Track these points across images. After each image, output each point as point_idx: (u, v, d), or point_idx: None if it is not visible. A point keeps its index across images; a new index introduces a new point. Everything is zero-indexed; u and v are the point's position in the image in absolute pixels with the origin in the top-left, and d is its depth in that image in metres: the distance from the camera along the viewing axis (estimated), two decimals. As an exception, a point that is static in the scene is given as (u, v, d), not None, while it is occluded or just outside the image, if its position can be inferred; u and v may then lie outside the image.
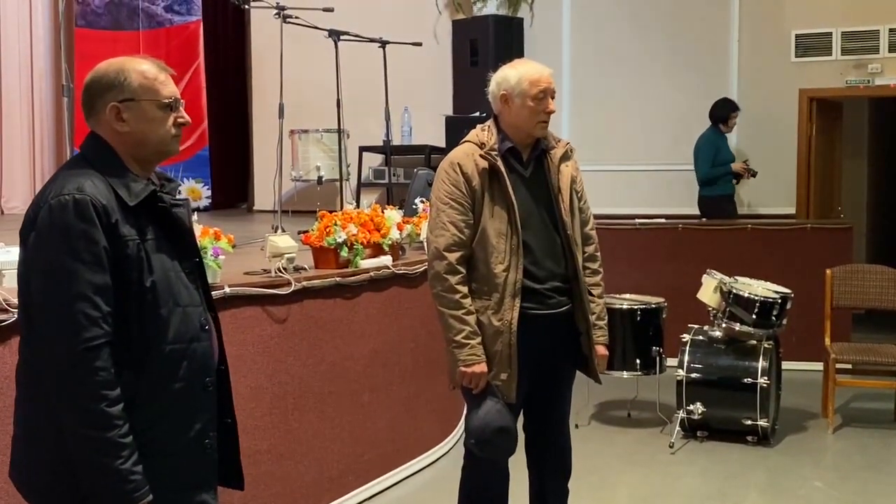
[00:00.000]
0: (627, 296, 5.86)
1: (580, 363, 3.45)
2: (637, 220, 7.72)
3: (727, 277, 5.47)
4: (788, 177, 8.21)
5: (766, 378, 5.19)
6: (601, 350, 3.44)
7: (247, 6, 7.12)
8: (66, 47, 7.03)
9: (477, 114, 7.64)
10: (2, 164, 9.35)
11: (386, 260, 4.57)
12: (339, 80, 6.10)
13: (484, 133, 3.32)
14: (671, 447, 5.29)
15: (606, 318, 3.50)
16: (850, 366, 6.03)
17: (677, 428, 5.37)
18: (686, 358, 5.39)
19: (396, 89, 6.89)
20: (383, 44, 6.59)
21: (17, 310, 2.55)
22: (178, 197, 2.26)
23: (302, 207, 7.67)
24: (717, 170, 7.69)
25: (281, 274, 3.94)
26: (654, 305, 5.68)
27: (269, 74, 8.01)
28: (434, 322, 3.47)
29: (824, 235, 7.28)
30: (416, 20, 8.49)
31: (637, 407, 6.03)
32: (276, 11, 5.93)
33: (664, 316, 5.71)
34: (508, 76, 3.30)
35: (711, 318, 5.50)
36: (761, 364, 5.22)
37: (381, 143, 7.09)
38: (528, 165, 3.35)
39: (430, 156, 7.91)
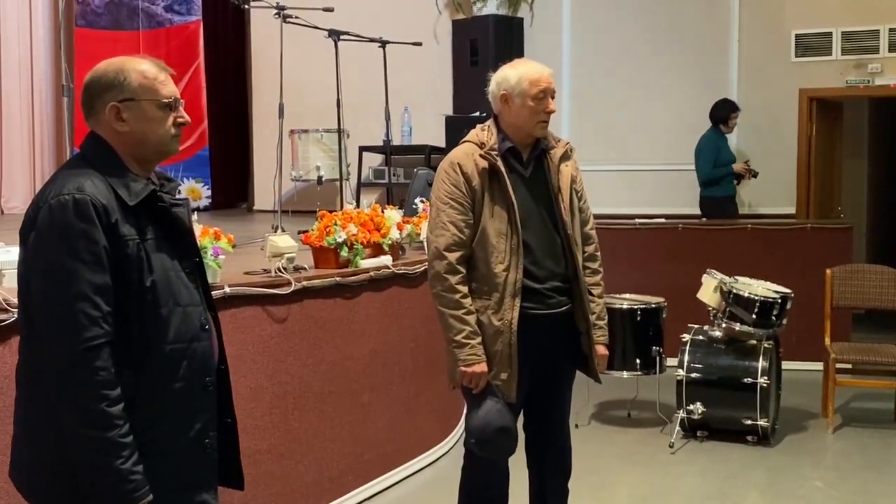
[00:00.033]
0: (627, 296, 5.86)
1: (580, 363, 3.45)
2: (637, 220, 7.72)
3: (727, 277, 5.47)
4: (788, 177, 8.21)
5: (766, 378, 5.19)
6: (601, 350, 3.44)
7: (247, 6, 7.12)
8: (66, 47, 7.03)
9: (477, 114, 7.64)
10: (2, 163, 9.35)
11: (386, 260, 4.57)
12: (339, 80, 6.10)
13: (484, 133, 3.32)
14: (671, 447, 5.29)
15: (606, 317, 3.50)
16: (850, 366, 6.03)
17: (677, 428, 5.37)
18: (686, 358, 5.39)
19: (396, 89, 6.90)
20: (383, 44, 6.59)
21: (17, 309, 2.55)
22: (177, 196, 2.26)
23: (302, 207, 7.67)
24: (718, 170, 7.69)
25: (281, 274, 3.94)
26: (654, 305, 5.68)
27: (269, 74, 8.01)
28: (434, 322, 3.47)
29: (824, 235, 7.28)
30: (416, 20, 8.49)
31: (637, 407, 6.03)
32: (276, 11, 5.93)
33: (664, 316, 5.71)
34: (508, 76, 3.30)
35: (711, 318, 5.50)
36: (761, 364, 5.22)
37: (381, 143, 7.09)
38: (528, 165, 3.35)
39: (430, 156, 7.91)
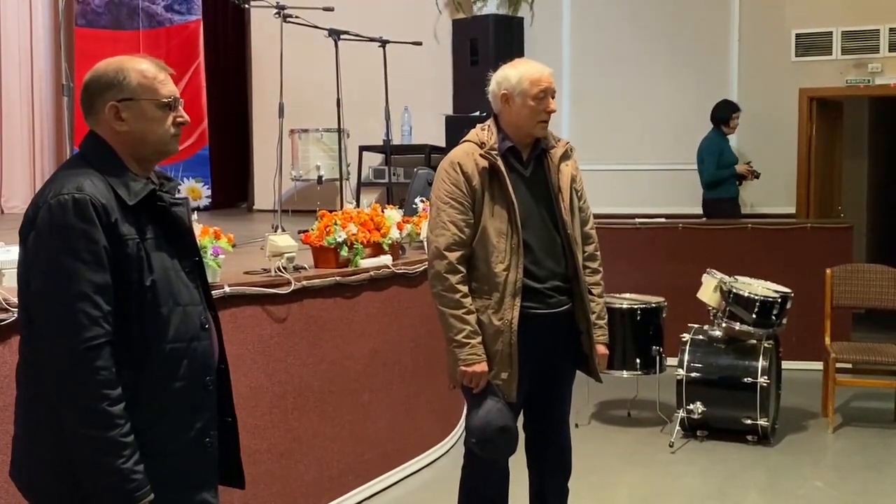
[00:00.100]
0: (627, 295, 5.86)
1: (580, 362, 3.45)
2: (637, 220, 7.72)
3: (727, 277, 5.46)
4: (788, 176, 8.21)
5: (766, 377, 5.19)
6: (601, 349, 3.44)
7: (247, 5, 7.12)
8: (66, 46, 7.03)
9: (477, 113, 7.64)
10: (2, 163, 9.35)
11: (386, 259, 4.57)
12: (339, 80, 6.10)
13: (484, 132, 3.32)
14: (671, 446, 5.28)
15: (606, 317, 3.50)
16: (850, 365, 6.04)
17: (677, 427, 5.37)
18: (686, 357, 5.39)
19: (396, 89, 6.89)
20: (383, 43, 6.59)
21: (17, 309, 2.55)
22: (177, 196, 2.26)
23: (302, 207, 7.67)
24: (721, 172, 7.68)
25: (281, 273, 3.94)
26: (654, 305, 5.68)
27: (269, 74, 8.01)
28: (434, 321, 3.47)
29: (824, 235, 7.28)
30: (416, 19, 8.49)
31: (637, 406, 6.03)
32: (276, 11, 5.93)
33: (664, 315, 5.71)
34: (509, 76, 3.30)
35: (711, 318, 5.50)
36: (761, 363, 5.22)
37: (381, 143, 7.09)
38: (528, 165, 3.35)
39: (430, 155, 7.91)
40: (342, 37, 6.17)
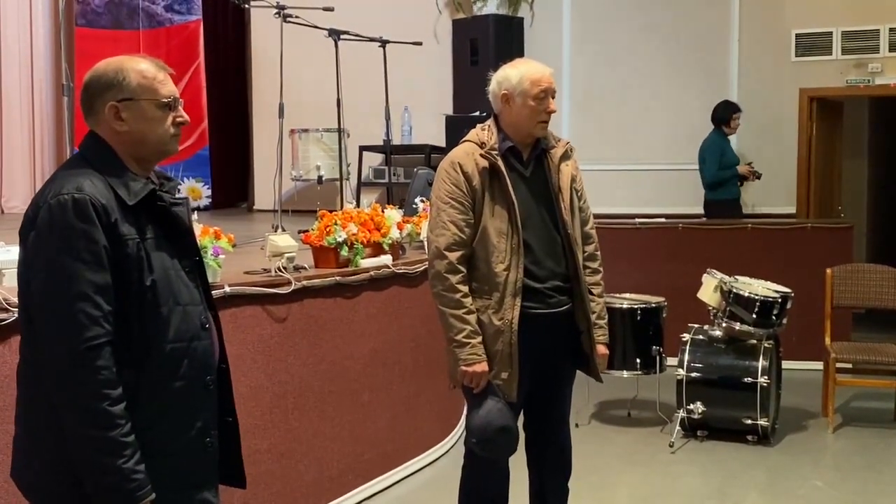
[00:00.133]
0: (627, 295, 5.86)
1: (581, 362, 3.45)
2: (637, 220, 7.72)
3: (727, 277, 5.46)
4: (789, 176, 8.21)
5: (766, 377, 5.19)
6: (602, 349, 3.44)
7: (247, 5, 7.12)
8: (66, 46, 7.03)
9: (477, 113, 7.64)
10: (2, 163, 9.35)
11: (386, 259, 4.57)
12: (339, 80, 6.10)
13: (484, 132, 3.32)
14: (671, 446, 5.28)
15: (607, 317, 3.50)
16: (850, 365, 6.04)
17: (677, 427, 5.37)
18: (686, 357, 5.39)
19: (396, 89, 6.90)
20: (383, 43, 6.59)
21: (17, 309, 2.55)
22: (177, 196, 2.26)
23: (302, 207, 7.67)
24: (723, 173, 7.67)
25: (281, 273, 3.94)
26: (654, 305, 5.68)
27: (269, 74, 8.01)
28: (434, 321, 3.47)
29: (824, 235, 7.28)
30: (416, 19, 8.49)
31: (637, 406, 6.03)
32: (276, 11, 5.93)
33: (664, 315, 5.71)
34: (510, 75, 3.30)
35: (712, 318, 5.50)
36: (761, 363, 5.22)
37: (381, 143, 7.09)
38: (528, 165, 3.35)
39: (430, 155, 7.91)
40: (342, 37, 6.17)
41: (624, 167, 8.52)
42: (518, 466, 3.52)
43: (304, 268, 4.15)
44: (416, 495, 4.64)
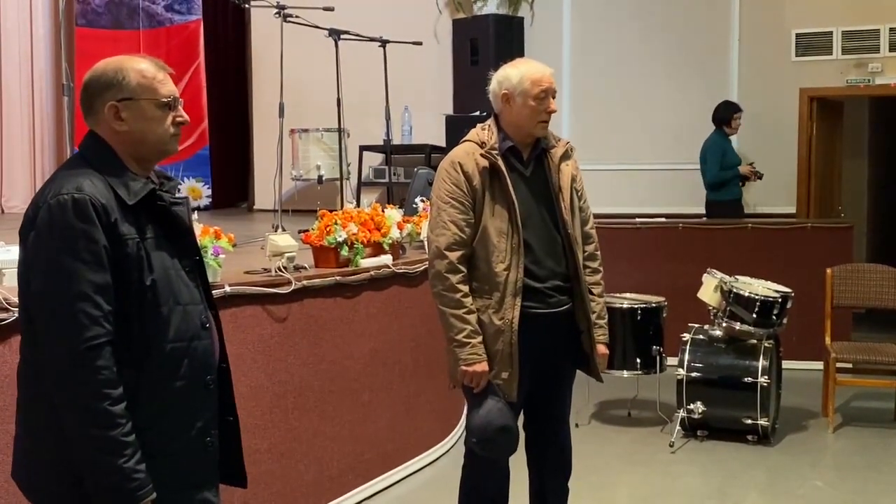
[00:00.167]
0: (628, 295, 5.86)
1: (581, 362, 3.45)
2: (637, 220, 7.72)
3: (727, 276, 5.46)
4: (789, 176, 8.20)
5: (766, 377, 5.19)
6: (602, 349, 3.44)
7: (247, 5, 7.12)
8: (66, 46, 7.03)
9: (477, 113, 7.64)
10: (2, 162, 9.35)
11: (386, 259, 4.57)
12: (340, 80, 6.10)
13: (484, 132, 3.32)
14: (671, 446, 5.28)
15: (607, 316, 3.50)
16: (850, 365, 6.04)
17: (677, 427, 5.37)
18: (686, 357, 5.39)
19: (397, 88, 6.90)
20: (384, 43, 6.59)
21: (17, 309, 2.55)
22: (177, 195, 2.26)
23: (302, 206, 7.67)
24: (724, 173, 7.66)
25: (281, 273, 3.94)
26: (654, 305, 5.68)
27: (270, 73, 8.01)
28: (434, 321, 3.47)
29: (825, 235, 7.27)
30: (416, 19, 8.48)
31: (637, 406, 6.03)
32: (276, 10, 5.93)
33: (664, 315, 5.71)
34: (510, 75, 3.30)
35: (712, 318, 5.50)
36: (762, 363, 5.22)
37: (381, 143, 7.09)
38: (528, 164, 3.35)
39: (430, 155, 7.91)
40: (342, 37, 6.17)
41: (624, 167, 8.52)
42: (518, 466, 3.52)
43: (305, 267, 4.15)
44: (417, 495, 4.64)
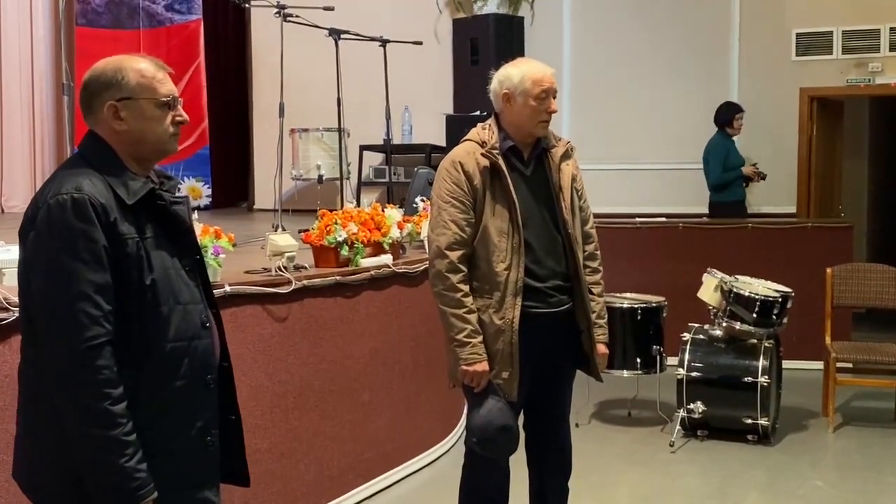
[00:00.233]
0: (628, 295, 5.86)
1: (581, 362, 3.45)
2: (637, 219, 7.72)
3: (728, 276, 5.46)
4: (789, 176, 8.20)
5: (766, 377, 5.19)
6: (602, 348, 3.44)
7: (247, 5, 7.12)
8: (66, 46, 7.03)
9: (477, 113, 7.64)
10: (2, 162, 9.35)
11: (386, 259, 4.57)
12: (340, 79, 6.10)
13: (485, 132, 3.32)
14: (671, 446, 5.28)
15: (606, 316, 3.50)
16: (850, 365, 6.04)
17: (678, 427, 5.37)
18: (686, 357, 5.38)
19: (397, 88, 6.89)
20: (384, 42, 6.59)
21: (17, 308, 2.55)
22: (177, 194, 2.26)
23: (302, 206, 7.67)
24: (727, 174, 7.65)
25: (281, 273, 3.94)
26: (654, 304, 5.68)
27: (270, 73, 8.01)
28: (434, 321, 3.47)
29: (825, 234, 7.27)
30: (416, 19, 8.48)
31: (637, 406, 6.02)
32: (276, 10, 5.93)
33: (665, 315, 5.71)
34: (511, 75, 3.30)
35: (712, 317, 5.50)
36: (762, 363, 5.22)
37: (381, 142, 7.09)
38: (528, 164, 3.35)
39: (430, 155, 7.91)
40: (342, 36, 6.16)
41: (624, 167, 8.52)
42: (518, 466, 3.52)
43: (305, 267, 4.15)
44: (417, 495, 4.63)
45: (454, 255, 3.21)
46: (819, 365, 6.04)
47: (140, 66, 2.16)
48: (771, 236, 7.33)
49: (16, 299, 2.62)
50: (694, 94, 8.28)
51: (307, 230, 4.45)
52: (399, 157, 8.15)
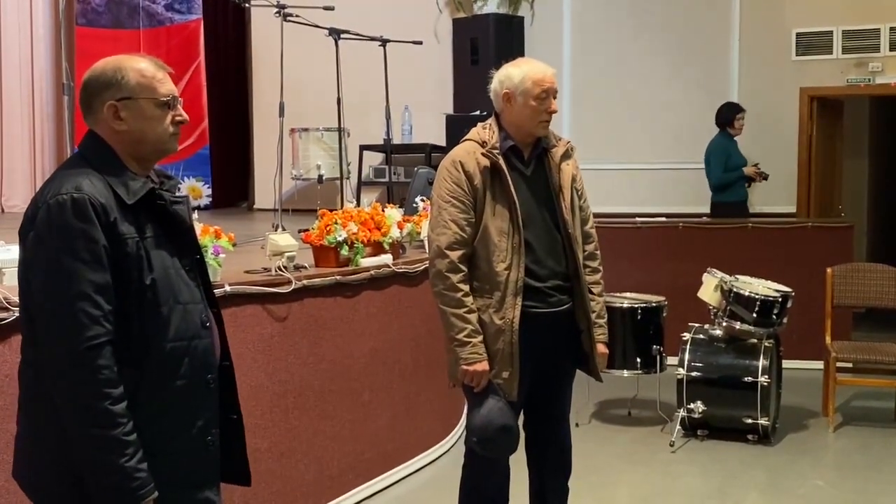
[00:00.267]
0: (628, 294, 5.85)
1: (581, 361, 3.45)
2: (637, 219, 7.72)
3: (728, 276, 5.46)
4: (789, 175, 8.20)
5: (766, 377, 5.19)
6: (601, 348, 3.44)
7: (247, 4, 7.12)
8: (66, 46, 7.03)
9: (477, 112, 7.64)
10: (2, 162, 9.36)
11: (386, 258, 4.57)
12: (340, 79, 6.10)
13: (485, 131, 3.32)
14: (671, 446, 5.28)
15: (606, 316, 3.50)
16: (850, 364, 6.04)
17: (678, 426, 5.36)
18: (687, 356, 5.38)
19: (397, 88, 6.89)
20: (384, 42, 6.59)
21: (17, 308, 2.54)
22: (177, 194, 2.26)
23: (302, 206, 7.68)
24: (729, 175, 7.63)
25: (281, 272, 3.94)
26: (654, 304, 5.67)
27: (270, 73, 8.01)
28: (434, 321, 3.47)
29: (825, 234, 7.27)
30: (416, 19, 8.48)
31: (637, 405, 6.02)
32: (276, 10, 5.93)
33: (665, 314, 5.70)
34: (512, 75, 3.29)
35: (712, 317, 5.49)
36: (762, 363, 5.22)
37: (381, 142, 7.10)
38: (529, 164, 3.35)
39: (430, 154, 7.91)
40: (342, 36, 6.16)
41: (624, 167, 8.52)
42: (518, 465, 3.52)
43: (305, 267, 4.15)
44: (417, 495, 4.63)
45: (454, 254, 3.21)
46: (819, 365, 6.04)
47: (140, 66, 2.16)
48: (771, 236, 7.33)
49: (16, 299, 2.62)
50: (694, 94, 8.28)
51: (307, 230, 4.45)
52: (399, 157, 8.16)
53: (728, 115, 7.68)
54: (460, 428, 5.19)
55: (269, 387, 3.87)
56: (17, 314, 2.64)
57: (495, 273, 3.20)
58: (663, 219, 7.71)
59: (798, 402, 6.03)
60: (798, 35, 8.13)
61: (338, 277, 4.22)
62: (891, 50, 7.88)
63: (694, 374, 5.34)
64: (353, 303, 4.37)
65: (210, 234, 3.58)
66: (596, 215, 3.57)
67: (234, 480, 2.38)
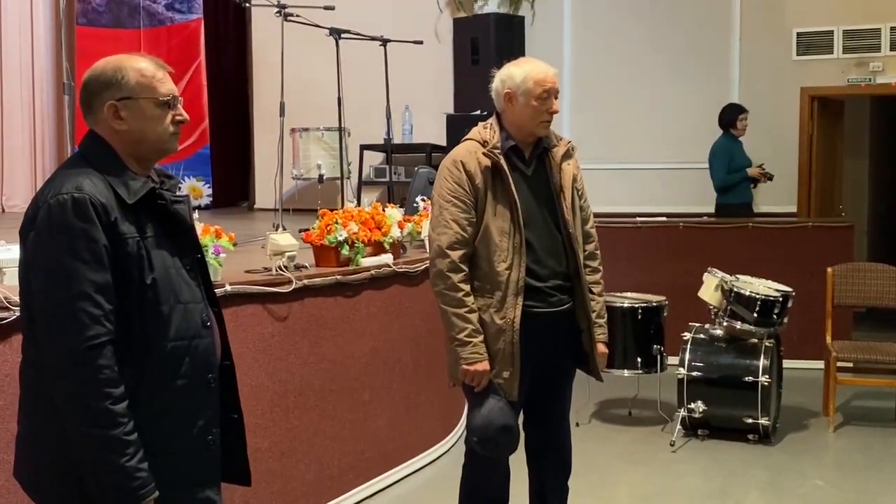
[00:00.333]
0: (628, 294, 5.85)
1: (581, 361, 3.45)
2: (638, 219, 7.71)
3: (728, 276, 5.46)
4: (790, 175, 8.19)
5: (767, 376, 5.19)
6: (601, 348, 3.44)
7: (248, 4, 7.12)
8: (66, 45, 7.03)
9: (478, 112, 7.64)
10: (3, 162, 9.36)
11: (387, 258, 4.57)
12: (340, 79, 6.10)
13: (486, 131, 3.32)
14: (672, 445, 5.28)
15: (606, 316, 3.50)
16: (851, 364, 6.04)
17: (678, 426, 5.36)
18: (687, 356, 5.38)
19: (397, 88, 6.89)
20: (384, 42, 6.59)
21: (17, 308, 2.55)
22: (177, 193, 2.26)
23: (303, 206, 7.68)
24: (732, 176, 7.61)
25: (282, 272, 3.94)
26: (655, 304, 5.67)
27: (270, 73, 8.00)
28: (435, 320, 3.47)
29: (825, 234, 7.27)
30: (417, 18, 8.48)
31: (638, 405, 6.02)
32: (277, 10, 5.93)
33: (665, 314, 5.70)
34: (513, 74, 3.29)
35: (712, 317, 5.49)
36: (762, 362, 5.22)
37: (382, 142, 7.10)
38: (530, 164, 3.35)
39: (430, 154, 7.91)
40: (343, 36, 6.16)
41: (624, 166, 8.52)
42: (518, 465, 3.52)
43: (305, 267, 4.15)
44: (417, 494, 4.64)
45: (455, 254, 3.21)
46: (820, 364, 6.04)
47: (140, 66, 2.16)
48: (771, 236, 7.32)
49: (16, 299, 2.62)
50: (694, 94, 8.27)
51: (308, 229, 4.45)
52: (399, 157, 8.15)
53: (731, 117, 7.67)
54: (460, 428, 5.19)
55: (269, 386, 3.87)
56: (17, 314, 2.64)
57: (496, 273, 3.20)
58: (664, 219, 7.71)
59: (798, 401, 6.03)
60: (798, 35, 8.13)
61: (338, 277, 4.22)
62: (891, 49, 7.88)
63: (694, 373, 5.34)
64: (354, 302, 4.37)
65: (210, 234, 3.59)
66: (596, 215, 3.57)
67: (234, 480, 2.38)
